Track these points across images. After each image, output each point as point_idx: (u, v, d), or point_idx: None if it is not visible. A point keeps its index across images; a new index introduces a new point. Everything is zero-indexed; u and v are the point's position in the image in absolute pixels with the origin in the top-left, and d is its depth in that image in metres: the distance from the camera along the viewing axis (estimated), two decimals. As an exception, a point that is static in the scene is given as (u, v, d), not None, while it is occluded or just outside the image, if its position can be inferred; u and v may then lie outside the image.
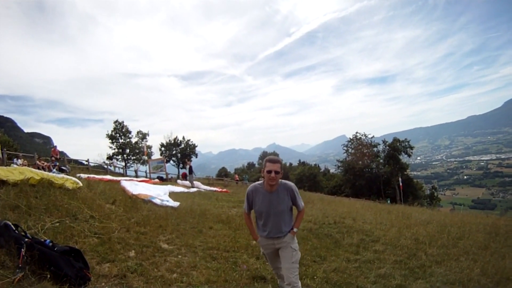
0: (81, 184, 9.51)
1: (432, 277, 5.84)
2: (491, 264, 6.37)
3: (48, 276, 3.91)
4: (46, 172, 10.11)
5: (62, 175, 10.21)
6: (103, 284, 4.36)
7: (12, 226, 4.43)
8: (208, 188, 24.73)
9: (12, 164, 14.27)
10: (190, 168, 27.20)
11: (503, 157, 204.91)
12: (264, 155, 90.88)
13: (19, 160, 17.17)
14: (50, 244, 4.31)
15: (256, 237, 4.23)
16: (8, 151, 21.54)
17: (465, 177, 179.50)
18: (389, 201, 39.51)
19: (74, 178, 9.68)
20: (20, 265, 3.87)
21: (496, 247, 7.74)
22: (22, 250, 3.96)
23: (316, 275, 5.76)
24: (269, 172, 3.81)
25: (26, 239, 4.18)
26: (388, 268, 6.24)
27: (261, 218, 4.05)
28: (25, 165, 14.88)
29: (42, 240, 4.43)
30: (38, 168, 14.02)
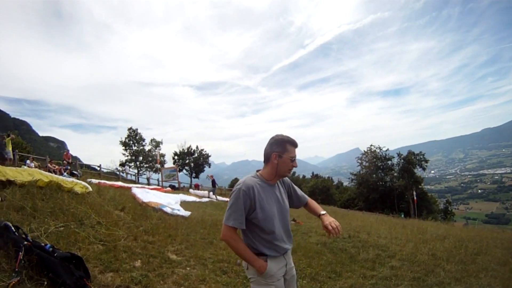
0: (90, 189, 9.40)
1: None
2: (511, 280, 6.07)
3: (46, 282, 3.67)
4: (56, 175, 10.00)
5: (72, 179, 10.09)
6: (104, 295, 4.10)
7: (12, 227, 4.23)
8: (220, 198, 24.90)
9: (23, 166, 14.25)
10: (214, 181, 27.73)
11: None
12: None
13: (32, 162, 17.17)
14: (50, 249, 4.09)
15: (263, 265, 2.58)
16: (20, 153, 21.70)
17: (479, 191, 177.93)
18: (403, 215, 39.11)
19: (83, 183, 9.58)
20: (17, 269, 3.65)
21: (515, 263, 7.41)
22: (20, 253, 3.75)
23: (332, 292, 5.46)
24: (293, 159, 2.70)
25: (26, 242, 3.97)
26: (406, 285, 5.94)
27: (269, 227, 2.62)
28: (36, 167, 14.84)
29: (43, 244, 4.21)
30: (49, 171, 13.99)
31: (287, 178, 2.93)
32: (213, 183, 27.74)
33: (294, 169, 2.75)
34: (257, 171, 2.81)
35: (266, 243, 2.61)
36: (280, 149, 2.66)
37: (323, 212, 2.92)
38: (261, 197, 2.60)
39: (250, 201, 2.54)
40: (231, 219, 2.52)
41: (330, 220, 2.79)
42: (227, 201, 20.09)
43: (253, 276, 2.64)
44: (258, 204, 2.56)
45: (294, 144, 2.72)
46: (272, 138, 2.74)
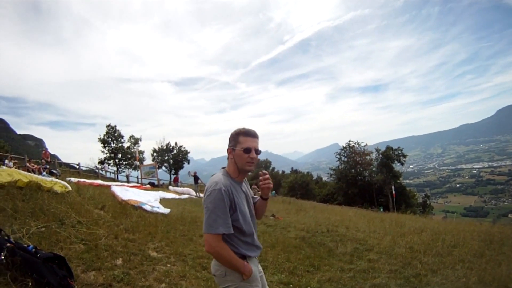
0: (70, 188, 9.37)
1: (428, 286, 5.77)
2: (487, 272, 6.30)
3: (30, 283, 3.72)
4: (35, 175, 9.95)
5: (51, 178, 10.05)
6: (87, 293, 4.19)
7: (-5, 230, 4.25)
8: (202, 195, 24.91)
9: (1, 166, 14.08)
10: (195, 178, 27.92)
11: (495, 165, 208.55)
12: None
13: (10, 162, 16.94)
14: (33, 250, 4.13)
15: (250, 268, 2.45)
16: (-2, 153, 21.34)
17: (457, 185, 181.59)
18: (382, 209, 39.71)
19: (63, 182, 9.54)
20: None
21: (491, 255, 7.72)
22: (2, 254, 3.77)
23: (310, 285, 5.67)
24: (248, 150, 2.45)
25: (8, 244, 3.97)
26: (383, 277, 6.17)
27: (248, 229, 2.51)
28: (15, 167, 14.67)
29: (25, 245, 4.24)
30: (28, 171, 13.85)
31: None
32: (196, 179, 27.69)
33: (251, 170, 2.54)
34: (223, 168, 2.63)
35: (245, 245, 2.49)
36: (233, 142, 2.50)
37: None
38: (237, 197, 2.45)
39: (230, 202, 2.36)
40: (218, 225, 2.28)
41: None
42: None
43: (233, 283, 2.42)
44: (237, 205, 2.41)
45: (248, 134, 2.49)
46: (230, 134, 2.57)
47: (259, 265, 2.70)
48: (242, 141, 2.46)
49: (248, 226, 2.49)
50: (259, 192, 2.87)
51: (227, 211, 2.31)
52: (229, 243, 2.40)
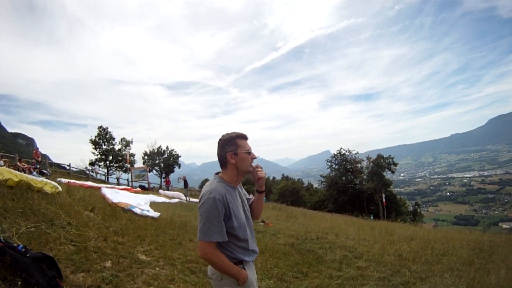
0: (60, 189, 9.34)
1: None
2: (476, 280, 6.34)
3: (19, 283, 3.71)
4: (26, 175, 9.91)
5: (41, 178, 10.01)
6: (76, 294, 4.20)
7: (-16, 229, 4.26)
8: (192, 200, 25.01)
9: (-8, 164, 14.00)
10: (185, 182, 28.33)
11: (485, 174, 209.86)
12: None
13: (1, 161, 16.83)
14: (23, 249, 4.13)
15: (246, 274, 2.48)
16: (-11, 151, 21.18)
17: (448, 193, 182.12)
18: (372, 217, 39.84)
19: (53, 182, 9.51)
20: None
21: (480, 263, 7.75)
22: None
23: (298, 292, 5.68)
24: (249, 152, 2.58)
25: (-2, 243, 4.00)
26: (371, 285, 6.20)
27: (243, 234, 2.53)
28: (5, 166, 14.58)
29: (15, 245, 4.23)
30: (18, 170, 13.77)
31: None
32: (185, 183, 27.86)
33: (264, 170, 2.69)
34: (217, 173, 2.64)
35: (241, 250, 2.50)
36: (233, 146, 2.52)
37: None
38: (233, 203, 2.46)
39: (225, 209, 2.36)
40: (212, 234, 2.30)
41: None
42: (197, 202, 20.12)
43: (229, 287, 2.46)
44: (232, 211, 2.41)
45: (244, 137, 2.59)
46: (220, 140, 2.59)
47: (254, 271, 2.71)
48: (242, 144, 2.54)
49: (243, 231, 2.50)
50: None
51: (221, 220, 2.33)
52: (224, 248, 2.43)
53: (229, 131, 2.62)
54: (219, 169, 2.66)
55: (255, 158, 2.61)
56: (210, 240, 2.30)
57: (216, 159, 2.61)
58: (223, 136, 2.60)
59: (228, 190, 2.49)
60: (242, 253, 2.51)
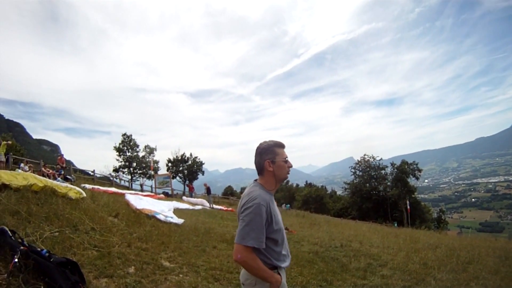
0: (84, 194, 9.41)
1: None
2: None
3: (42, 287, 3.72)
4: (50, 180, 10.02)
5: (66, 184, 10.12)
6: (99, 300, 4.14)
7: (9, 232, 4.25)
8: (215, 206, 25.12)
9: (17, 169, 14.23)
10: (208, 189, 28.49)
11: (511, 178, 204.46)
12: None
13: (26, 166, 17.13)
14: (47, 254, 4.12)
15: (279, 279, 2.45)
16: (14, 156, 21.59)
17: (473, 199, 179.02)
18: (396, 225, 39.24)
19: (78, 188, 9.58)
20: (10, 271, 3.70)
21: (506, 272, 7.55)
22: (15, 256, 3.78)
23: (324, 301, 5.52)
24: (286, 160, 2.63)
25: (22, 247, 3.99)
26: (396, 294, 6.02)
27: (282, 239, 2.56)
28: (30, 171, 14.82)
29: (39, 249, 4.23)
30: (43, 175, 13.99)
31: None
32: (208, 190, 28.03)
33: (288, 177, 2.71)
34: (255, 180, 2.68)
35: (278, 256, 2.50)
36: (271, 155, 2.58)
37: None
38: (274, 210, 2.50)
39: (267, 216, 2.38)
40: (250, 238, 2.30)
41: None
42: (220, 209, 20.00)
43: None
44: (273, 217, 2.44)
45: (281, 146, 2.65)
46: (258, 147, 2.64)
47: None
48: (280, 153, 2.60)
49: (281, 236, 2.52)
50: None
51: (263, 226, 2.34)
52: (261, 253, 2.41)
53: (267, 139, 2.68)
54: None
55: (291, 166, 2.67)
56: (245, 244, 2.29)
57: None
58: (261, 144, 2.66)
59: (269, 196, 2.52)
60: (277, 259, 2.49)
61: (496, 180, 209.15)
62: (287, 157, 2.63)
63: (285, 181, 2.76)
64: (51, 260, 4.02)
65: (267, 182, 2.60)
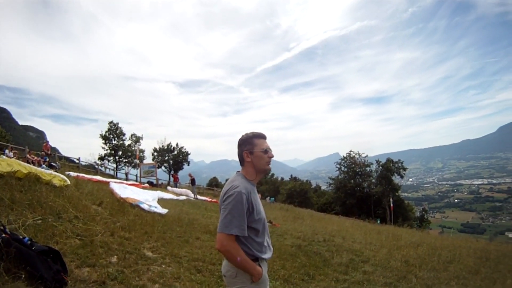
0: (68, 182, 9.35)
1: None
2: None
3: (23, 276, 3.69)
4: (35, 167, 9.92)
5: (50, 171, 10.02)
6: (80, 289, 4.14)
7: (-9, 219, 4.22)
8: (200, 197, 25.07)
9: (1, 155, 14.05)
10: (193, 180, 28.65)
11: (494, 182, 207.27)
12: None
13: (10, 152, 16.90)
14: (29, 242, 4.09)
15: (260, 271, 2.47)
16: (-1, 142, 21.29)
17: (455, 200, 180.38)
18: (379, 221, 39.66)
19: (62, 176, 9.52)
20: None
21: (486, 272, 7.74)
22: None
23: (304, 294, 5.60)
24: (267, 151, 2.63)
25: (4, 235, 3.96)
26: (377, 291, 6.12)
27: (262, 230, 2.58)
28: (15, 158, 14.64)
29: (21, 237, 4.19)
30: (28, 162, 13.81)
31: None
32: (193, 181, 27.98)
33: (270, 168, 2.73)
34: (238, 171, 2.71)
35: (259, 247, 2.52)
36: (249, 145, 2.62)
37: None
38: (255, 199, 2.52)
39: (248, 205, 2.42)
40: (233, 226, 2.32)
41: None
42: (205, 200, 19.95)
43: (243, 285, 2.45)
44: (254, 207, 2.47)
45: (261, 137, 2.67)
46: (240, 139, 2.70)
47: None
48: (258, 143, 2.62)
49: (263, 225, 2.56)
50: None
51: (244, 214, 2.36)
52: (243, 244, 2.43)
53: (249, 131, 2.73)
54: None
55: (272, 157, 2.66)
56: (229, 233, 2.32)
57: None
58: (242, 135, 2.72)
59: (251, 186, 2.56)
60: (259, 250, 2.52)
61: (480, 183, 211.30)
62: (267, 148, 2.63)
63: (267, 172, 2.78)
64: (33, 248, 3.99)
65: (248, 172, 2.64)
